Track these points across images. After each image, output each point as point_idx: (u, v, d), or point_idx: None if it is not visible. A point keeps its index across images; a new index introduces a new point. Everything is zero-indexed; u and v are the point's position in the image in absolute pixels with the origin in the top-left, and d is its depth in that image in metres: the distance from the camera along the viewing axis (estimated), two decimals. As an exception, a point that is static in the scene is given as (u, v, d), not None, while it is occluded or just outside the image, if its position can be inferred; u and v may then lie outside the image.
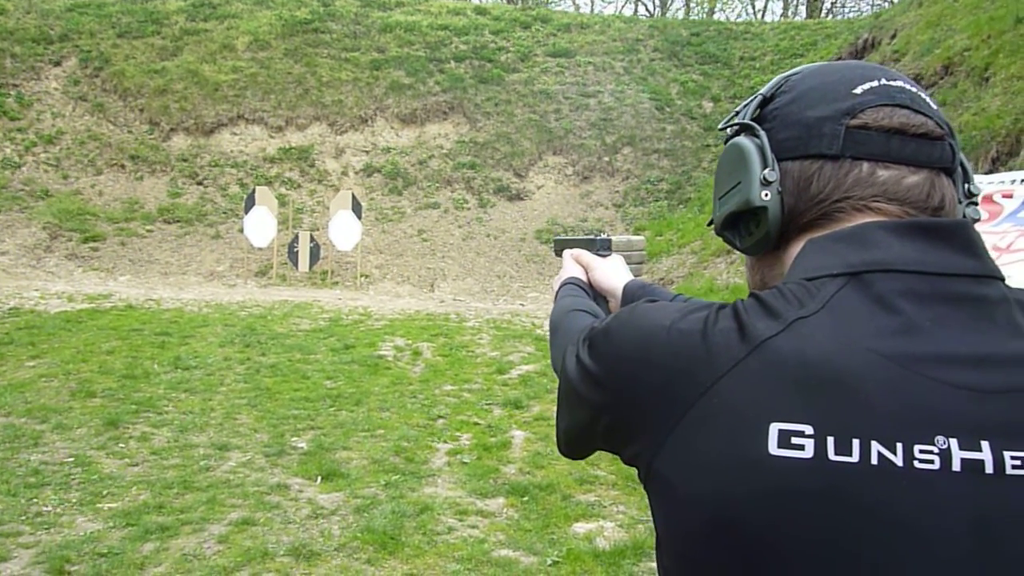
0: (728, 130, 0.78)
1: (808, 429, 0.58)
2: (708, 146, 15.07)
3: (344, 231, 11.93)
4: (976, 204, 0.74)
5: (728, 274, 9.78)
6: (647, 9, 30.29)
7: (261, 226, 11.88)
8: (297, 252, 12.06)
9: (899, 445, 0.57)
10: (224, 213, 13.31)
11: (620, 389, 0.69)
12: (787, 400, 0.59)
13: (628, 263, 1.26)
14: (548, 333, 1.06)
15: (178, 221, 13.01)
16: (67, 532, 3.50)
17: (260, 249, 12.16)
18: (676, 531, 0.65)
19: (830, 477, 0.57)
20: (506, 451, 4.84)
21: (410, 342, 7.91)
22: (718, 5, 28.19)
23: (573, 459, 0.87)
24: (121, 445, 4.69)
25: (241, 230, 12.36)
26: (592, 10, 30.00)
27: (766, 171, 0.71)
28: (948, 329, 0.61)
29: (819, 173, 0.69)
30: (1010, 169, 6.95)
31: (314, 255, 12.09)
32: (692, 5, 28.31)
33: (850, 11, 28.70)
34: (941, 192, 0.68)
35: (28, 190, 12.98)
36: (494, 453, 4.79)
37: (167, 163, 14.01)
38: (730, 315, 0.65)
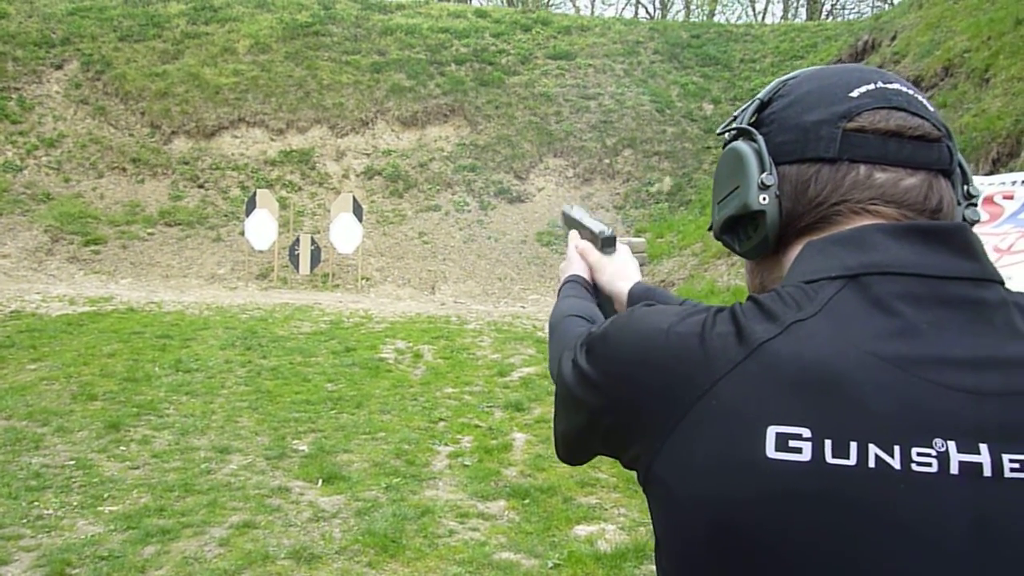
0: (726, 134, 0.78)
1: (806, 432, 0.58)
2: (709, 148, 15.08)
3: (345, 234, 11.93)
4: (975, 206, 0.74)
5: (729, 276, 9.78)
6: (647, 11, 30.34)
7: (262, 229, 11.89)
8: (298, 255, 12.07)
9: (897, 448, 0.57)
10: (225, 216, 13.32)
11: (618, 393, 0.69)
12: (785, 403, 0.59)
13: None
14: (548, 333, 1.06)
15: (179, 224, 13.02)
16: (68, 535, 3.50)
17: (261, 252, 12.17)
18: (675, 534, 0.65)
19: (828, 480, 0.57)
20: (507, 454, 4.84)
21: (411, 345, 7.91)
22: (718, 7, 28.23)
23: (572, 464, 0.87)
24: (122, 448, 4.69)
25: (242, 233, 12.36)
26: (592, 12, 30.03)
27: (764, 175, 0.71)
28: (946, 332, 0.61)
29: (816, 176, 0.69)
30: (1010, 170, 6.95)
31: (315, 258, 12.10)
32: (692, 7, 28.35)
33: (850, 13, 28.74)
34: (939, 194, 0.68)
35: (29, 193, 12.99)
36: (495, 456, 4.78)
37: (168, 166, 14.03)
38: (728, 318, 0.65)
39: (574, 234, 1.29)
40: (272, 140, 14.71)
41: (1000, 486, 0.57)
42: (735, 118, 0.78)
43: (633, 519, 3.91)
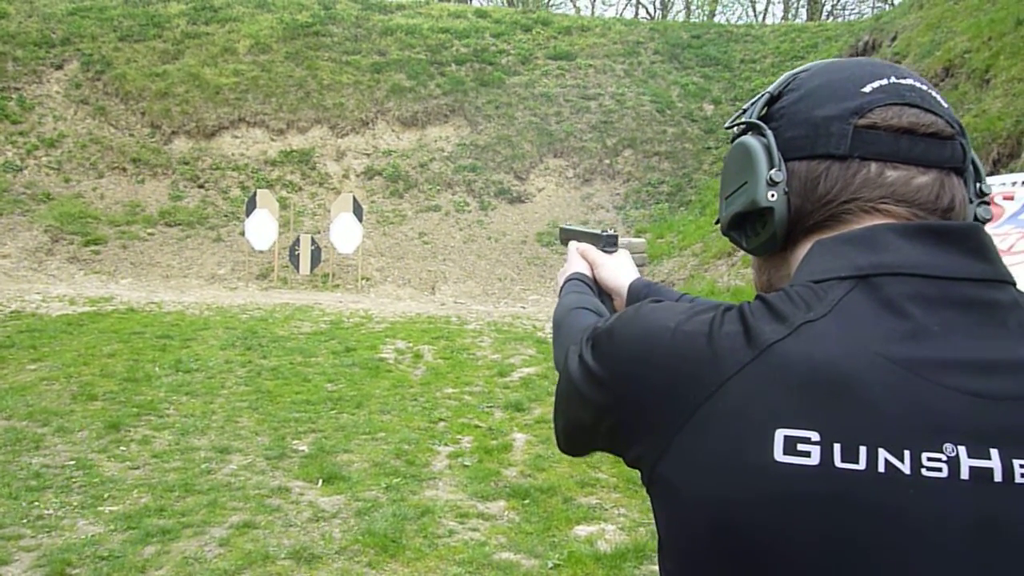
0: (735, 129, 0.77)
1: (814, 436, 0.57)
2: (709, 148, 15.08)
3: (345, 234, 11.93)
4: (987, 204, 0.72)
5: (729, 276, 9.77)
6: (648, 12, 30.35)
7: (262, 229, 11.89)
8: (298, 255, 12.06)
9: (907, 452, 0.56)
10: (225, 216, 13.31)
11: (623, 391, 0.68)
12: (793, 406, 0.58)
13: None
14: (551, 330, 1.05)
15: (179, 224, 13.01)
16: (68, 535, 3.49)
17: (261, 252, 12.16)
18: (679, 535, 0.64)
19: (836, 484, 0.56)
20: (507, 454, 4.83)
21: (411, 345, 7.91)
22: (719, 8, 28.24)
23: (573, 456, 0.86)
24: (122, 448, 4.68)
25: (242, 233, 12.36)
26: (593, 13, 30.05)
27: (772, 171, 0.70)
28: (957, 334, 0.60)
29: (826, 173, 0.68)
30: (1011, 171, 6.94)
31: (315, 258, 12.09)
32: (693, 8, 28.35)
33: (851, 13, 28.74)
34: (951, 193, 0.67)
35: (30, 193, 12.99)
36: (495, 456, 4.78)
37: (168, 166, 14.02)
38: (736, 318, 0.64)
39: (573, 243, 1.29)
40: (272, 140, 14.70)
41: (1010, 491, 0.56)
42: (744, 112, 0.77)
43: (633, 519, 3.90)
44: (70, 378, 6.09)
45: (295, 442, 4.92)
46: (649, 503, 0.68)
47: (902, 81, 0.69)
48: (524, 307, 11.27)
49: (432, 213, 13.97)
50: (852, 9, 29.82)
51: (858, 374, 0.58)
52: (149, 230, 12.81)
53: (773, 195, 0.70)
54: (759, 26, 21.43)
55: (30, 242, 11.99)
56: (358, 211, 12.04)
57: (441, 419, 5.52)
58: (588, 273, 1.21)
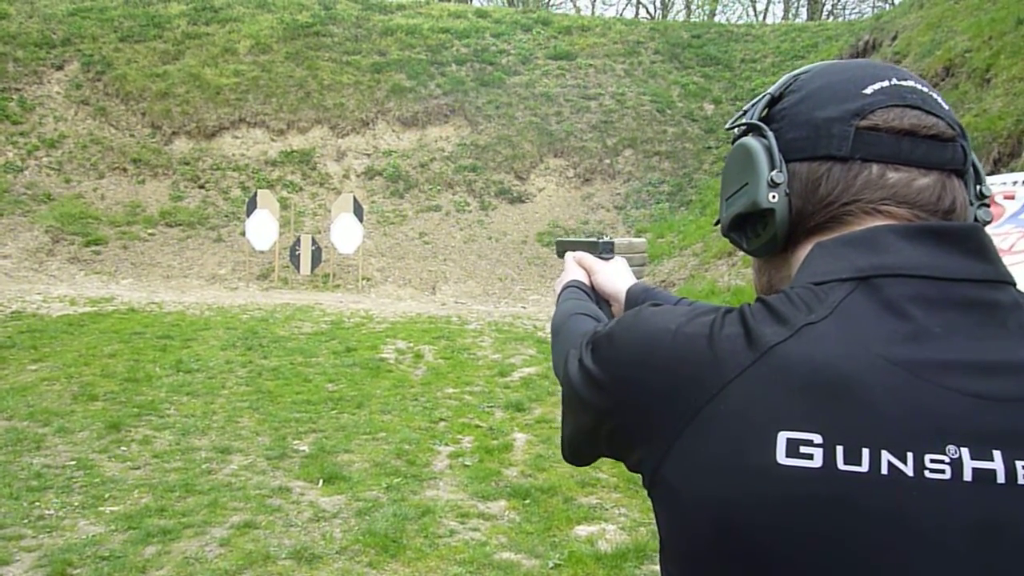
0: (735, 130, 0.77)
1: (817, 438, 0.57)
2: (709, 148, 15.08)
3: (346, 234, 11.93)
4: (987, 206, 0.72)
5: (729, 276, 9.77)
6: (648, 11, 30.34)
7: (263, 229, 11.89)
8: (299, 255, 12.07)
9: (910, 454, 0.56)
10: (226, 216, 13.32)
11: (624, 394, 0.68)
12: (795, 408, 0.58)
13: (630, 265, 1.25)
14: (549, 337, 1.05)
15: (180, 224, 13.02)
16: (69, 535, 3.49)
17: (262, 252, 12.17)
18: (681, 538, 0.64)
19: (839, 487, 0.56)
20: (508, 454, 4.83)
21: (412, 345, 7.91)
22: (719, 7, 28.23)
23: (577, 465, 0.86)
24: (123, 448, 4.68)
25: (243, 233, 12.36)
26: (593, 13, 30.04)
27: (773, 172, 0.70)
28: (959, 335, 0.60)
29: (828, 175, 0.68)
30: (1011, 170, 6.94)
31: (316, 258, 12.10)
32: (693, 7, 28.35)
33: (851, 13, 28.73)
34: (952, 195, 0.67)
35: (30, 194, 12.99)
36: (496, 456, 4.78)
37: (169, 166, 14.03)
38: (737, 320, 0.64)
39: (570, 253, 1.30)
40: (273, 140, 14.71)
41: (1013, 493, 0.56)
42: (745, 113, 0.77)
43: (634, 519, 3.90)
44: (71, 378, 6.10)
45: (296, 442, 4.92)
46: (650, 503, 0.68)
47: (903, 83, 0.69)
48: (525, 307, 11.27)
49: (432, 213, 13.97)
50: (852, 8, 29.83)
51: (860, 376, 0.58)
52: (150, 230, 12.82)
53: (774, 196, 0.69)
54: (759, 26, 21.42)
55: (31, 242, 12.00)
56: (358, 211, 12.04)
57: (442, 419, 5.52)
58: (585, 280, 1.21)
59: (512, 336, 8.58)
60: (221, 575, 3.19)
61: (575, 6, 31.06)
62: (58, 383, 5.96)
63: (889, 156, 0.66)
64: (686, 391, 0.62)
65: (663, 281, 10.77)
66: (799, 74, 0.75)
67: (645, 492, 0.68)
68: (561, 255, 1.35)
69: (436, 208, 14.08)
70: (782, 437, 0.58)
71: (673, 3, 29.63)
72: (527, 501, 4.07)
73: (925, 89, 0.69)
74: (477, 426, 5.38)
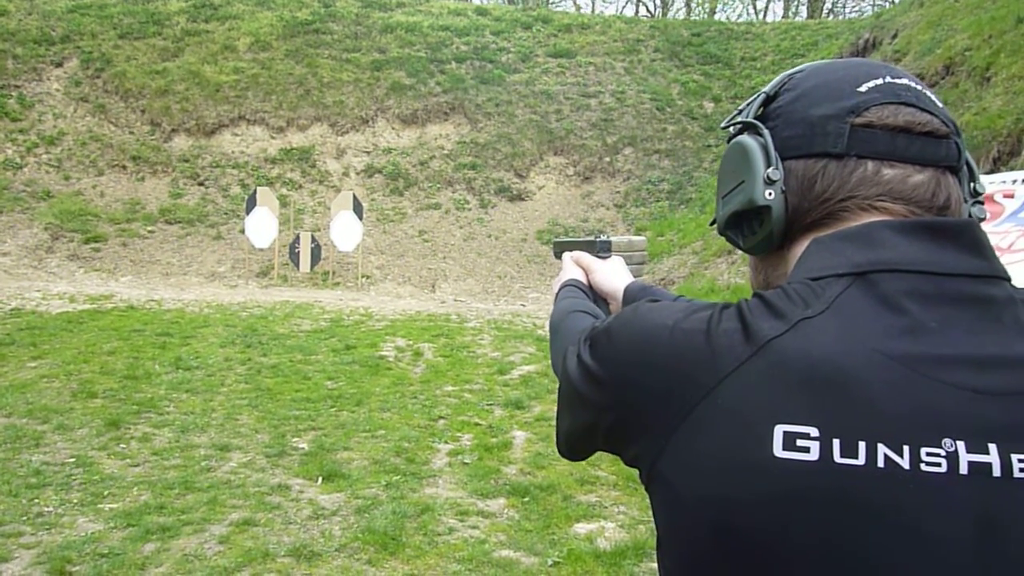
0: (731, 128, 0.77)
1: (813, 431, 0.57)
2: (709, 146, 15.07)
3: (345, 232, 11.93)
4: (981, 203, 0.73)
5: (729, 274, 9.77)
6: (648, 9, 30.30)
7: (262, 227, 11.89)
8: (298, 253, 12.07)
9: (906, 448, 0.57)
10: (225, 214, 13.31)
11: (622, 389, 0.68)
12: (792, 402, 0.58)
13: (629, 264, 1.26)
14: (548, 335, 1.06)
15: (179, 222, 13.02)
16: (68, 532, 3.50)
17: (261, 250, 12.16)
18: (678, 533, 0.65)
19: (836, 480, 0.56)
20: (507, 452, 4.83)
21: (411, 343, 7.91)
22: (719, 5, 28.21)
23: (573, 460, 0.86)
24: (122, 446, 4.69)
25: (242, 231, 12.36)
26: (593, 11, 30.02)
27: (769, 170, 0.70)
28: (954, 330, 0.60)
29: (823, 172, 0.68)
30: (1011, 169, 6.94)
31: (315, 256, 12.09)
32: (693, 5, 28.32)
33: (851, 11, 28.71)
34: (947, 191, 0.67)
35: (30, 191, 12.99)
36: (495, 454, 4.78)
37: (168, 164, 14.02)
38: (734, 315, 0.64)
39: (568, 253, 1.30)
40: (272, 138, 14.70)
41: (1009, 486, 0.56)
42: (740, 112, 0.77)
43: (633, 517, 3.90)
44: (70, 376, 6.10)
45: (295, 440, 4.93)
46: (648, 501, 0.68)
47: (897, 81, 0.69)
48: (524, 305, 11.27)
49: (432, 211, 13.97)
50: (852, 7, 29.80)
51: (856, 370, 0.58)
52: (149, 228, 12.82)
53: (770, 194, 0.70)
54: (759, 24, 21.41)
55: (30, 240, 11.99)
56: (358, 209, 12.04)
57: (441, 417, 5.52)
58: (583, 279, 1.21)
59: (511, 334, 8.59)
60: (220, 572, 3.19)
61: (575, 4, 31.04)
62: (57, 380, 5.96)
63: (884, 153, 0.67)
64: (683, 386, 0.63)
65: (663, 279, 10.78)
66: (794, 73, 0.75)
67: (644, 489, 0.68)
68: (559, 256, 1.35)
69: (436, 206, 14.08)
70: (779, 430, 0.58)
71: (673, 1, 29.61)
72: (526, 499, 4.07)
73: (919, 87, 0.70)
74: (476, 424, 5.39)
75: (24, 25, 15.34)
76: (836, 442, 0.57)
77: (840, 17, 26.36)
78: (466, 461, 4.65)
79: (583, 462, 4.49)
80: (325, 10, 16.90)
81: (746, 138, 0.73)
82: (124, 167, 13.88)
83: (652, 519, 0.69)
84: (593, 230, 12.86)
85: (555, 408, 0.83)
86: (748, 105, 0.76)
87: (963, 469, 0.56)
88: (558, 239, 1.41)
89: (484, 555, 3.42)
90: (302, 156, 14.49)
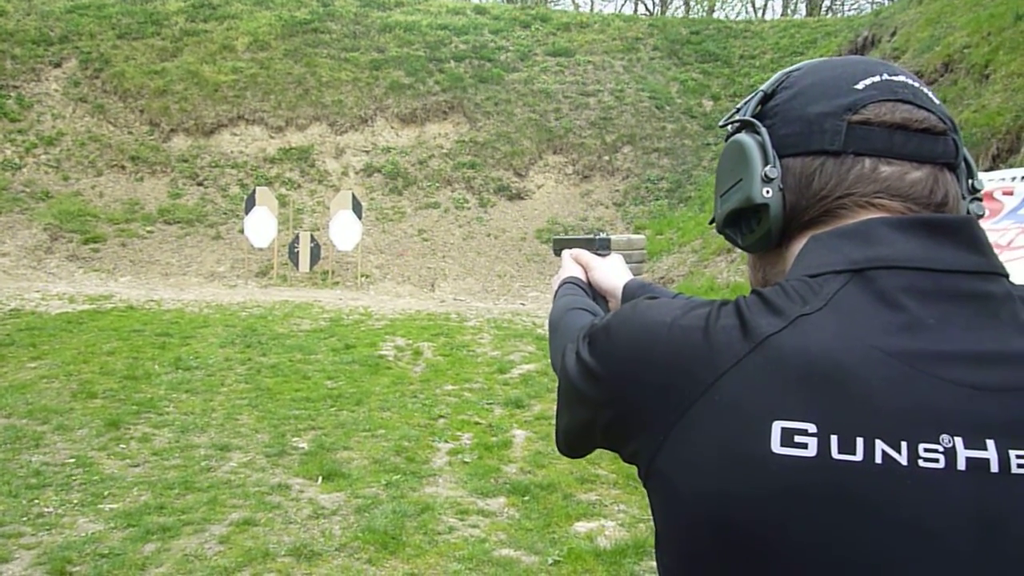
0: (729, 127, 0.77)
1: (811, 427, 0.57)
2: (708, 145, 15.07)
3: (344, 231, 11.93)
4: (980, 200, 0.73)
5: (729, 272, 9.77)
6: (647, 8, 30.27)
7: (261, 226, 11.89)
8: (298, 252, 12.06)
9: (904, 444, 0.57)
10: (224, 214, 13.31)
11: (621, 386, 0.68)
12: (790, 398, 0.59)
13: (629, 262, 1.26)
14: (547, 332, 1.06)
15: (178, 222, 13.01)
16: (68, 533, 3.50)
17: (261, 249, 12.16)
18: (676, 529, 0.65)
19: (833, 476, 0.57)
20: (507, 450, 4.84)
21: (411, 342, 7.91)
22: (718, 3, 28.19)
23: (572, 457, 0.86)
24: (122, 446, 4.69)
25: (242, 230, 12.36)
26: (591, 9, 29.99)
27: (767, 168, 0.70)
28: (952, 326, 0.60)
29: (821, 169, 0.68)
30: (1010, 166, 6.94)
31: (315, 255, 12.09)
32: (692, 3, 28.30)
33: (850, 9, 28.70)
34: (944, 188, 0.68)
35: (29, 191, 12.98)
36: (495, 452, 4.78)
37: (167, 164, 14.02)
38: (732, 312, 0.64)
39: (567, 251, 1.30)
40: (271, 138, 14.69)
41: (1007, 482, 0.57)
42: (738, 110, 0.78)
43: (633, 515, 3.91)
44: (70, 376, 6.10)
45: (295, 439, 4.93)
46: (647, 498, 0.68)
47: (894, 78, 0.69)
48: (524, 304, 11.27)
49: (431, 210, 13.97)
50: (851, 4, 29.79)
51: (854, 367, 0.58)
52: (148, 228, 12.81)
53: (768, 191, 0.70)
54: (758, 22, 21.39)
55: (29, 240, 11.99)
56: (357, 208, 12.03)
57: (441, 416, 5.52)
58: (582, 276, 1.21)
59: (511, 333, 8.59)
60: (220, 572, 3.19)
61: (574, 2, 31.01)
62: (57, 381, 5.96)
63: (881, 150, 0.67)
64: (682, 383, 0.63)
65: (662, 278, 10.78)
66: (791, 71, 0.75)
67: (643, 487, 0.68)
68: (558, 253, 1.35)
69: (435, 205, 14.07)
70: (777, 426, 0.58)
71: (672, -1, 29.56)
72: (526, 498, 4.07)
73: (916, 84, 0.70)
74: (476, 423, 5.39)
75: (22, 25, 15.33)
76: (834, 438, 0.57)
77: (839, 15, 26.34)
78: (466, 460, 4.65)
79: (583, 460, 4.50)
80: (324, 9, 16.89)
81: (744, 136, 0.74)
82: (123, 167, 13.88)
83: (651, 517, 0.69)
84: (592, 229, 12.86)
85: (555, 407, 0.83)
86: (746, 103, 0.77)
87: (961, 465, 0.57)
88: (557, 237, 1.42)
89: (484, 554, 3.42)
90: (301, 156, 14.49)
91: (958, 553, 0.56)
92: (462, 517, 3.83)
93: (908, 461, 0.56)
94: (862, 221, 0.66)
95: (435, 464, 4.59)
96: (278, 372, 6.53)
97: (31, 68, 14.78)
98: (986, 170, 6.82)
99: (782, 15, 28.24)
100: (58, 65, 15.02)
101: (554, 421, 0.84)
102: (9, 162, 13.35)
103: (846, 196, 0.67)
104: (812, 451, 0.57)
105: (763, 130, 0.72)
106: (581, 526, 3.76)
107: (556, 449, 0.86)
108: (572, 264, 1.25)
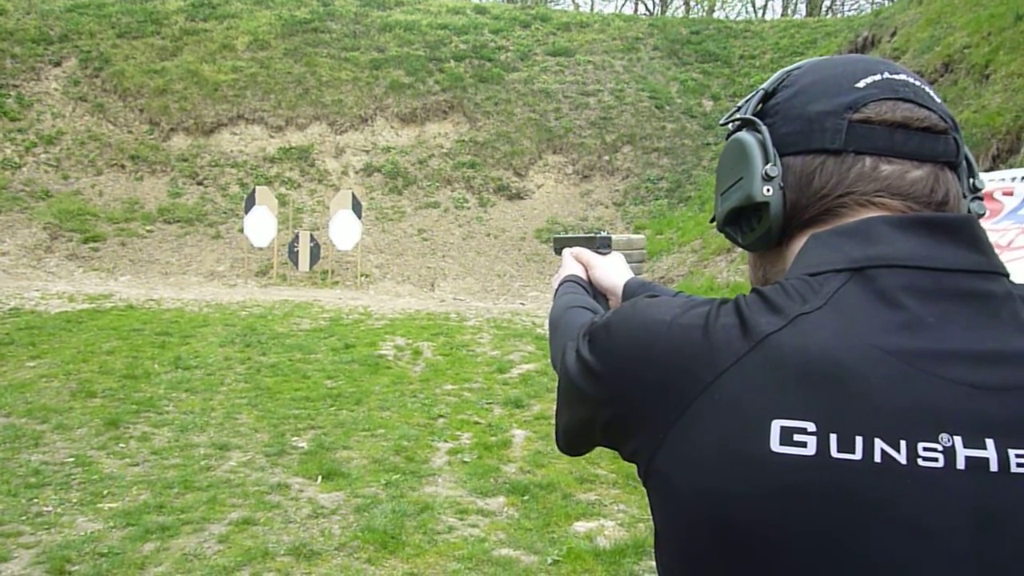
0: (730, 125, 0.77)
1: (810, 426, 0.57)
2: (708, 144, 15.07)
3: (344, 230, 11.92)
4: (981, 199, 0.73)
5: (728, 272, 9.77)
6: (647, 7, 30.27)
7: (261, 226, 11.88)
8: (297, 252, 12.06)
9: (903, 443, 0.57)
10: (224, 213, 13.30)
11: (620, 384, 0.68)
12: (789, 396, 0.58)
13: (628, 262, 1.26)
14: (548, 331, 1.06)
15: (178, 221, 13.01)
16: (67, 532, 3.50)
17: (260, 249, 12.16)
18: (676, 528, 0.65)
19: (833, 475, 0.56)
20: (506, 450, 4.84)
21: (410, 341, 7.91)
22: (718, 3, 28.19)
23: (572, 456, 0.86)
24: (121, 445, 4.69)
25: (241, 230, 12.35)
26: (592, 9, 29.98)
27: (768, 166, 0.70)
28: (952, 325, 0.60)
29: (821, 168, 0.68)
30: (1010, 167, 6.94)
31: (314, 255, 12.09)
32: (692, 3, 28.30)
33: (850, 9, 28.70)
34: (945, 187, 0.67)
35: (28, 191, 12.98)
36: (494, 452, 4.78)
37: (167, 163, 14.01)
38: (732, 310, 0.64)
39: (567, 249, 1.30)
40: (271, 137, 14.69)
41: (1006, 481, 0.56)
42: (738, 109, 0.78)
43: (632, 515, 3.91)
44: (69, 375, 6.10)
45: (294, 439, 4.93)
46: (647, 497, 0.68)
47: (895, 76, 0.69)
48: (523, 303, 11.27)
49: (431, 210, 13.97)
50: (851, 4, 29.80)
51: (853, 365, 0.58)
52: (148, 227, 12.81)
53: (768, 190, 0.70)
54: (758, 22, 21.39)
55: (29, 239, 11.98)
56: (357, 208, 12.03)
57: (440, 415, 5.52)
58: (583, 275, 1.21)
59: (511, 332, 8.59)
60: (220, 571, 3.19)
61: (574, 2, 31.01)
62: (56, 380, 5.95)
63: (882, 149, 0.67)
64: (681, 381, 0.63)
65: (662, 277, 10.78)
66: (792, 70, 0.75)
67: (643, 486, 0.68)
68: (559, 252, 1.35)
69: (435, 205, 14.07)
70: (776, 425, 0.58)
71: (672, -1, 29.55)
72: (526, 497, 4.07)
73: (917, 83, 0.70)
74: (476, 423, 5.39)
75: (22, 24, 15.32)
76: (833, 437, 0.57)
77: (839, 15, 26.34)
78: (466, 460, 4.65)
79: (583, 460, 4.50)
80: (324, 9, 16.89)
81: (744, 135, 0.74)
82: (123, 166, 13.87)
83: (651, 516, 0.69)
84: (592, 228, 12.86)
85: (554, 406, 0.83)
86: (747, 102, 0.76)
87: (960, 464, 0.56)
88: (558, 235, 1.42)
89: (484, 553, 3.42)
90: (301, 155, 14.49)
91: (957, 552, 0.56)
92: (461, 517, 3.83)
93: (907, 460, 0.56)
94: (862, 220, 0.66)
95: (434, 464, 4.59)
96: (278, 371, 6.53)
97: (31, 67, 14.77)
98: (986, 170, 6.81)
99: (782, 15, 28.24)
100: (58, 64, 15.02)
101: (554, 419, 0.84)
102: (9, 161, 13.35)
103: (846, 195, 0.67)
104: (811, 450, 0.57)
105: (764, 128, 0.72)
106: (580, 526, 3.76)
107: (556, 448, 0.86)
108: (573, 263, 1.25)
